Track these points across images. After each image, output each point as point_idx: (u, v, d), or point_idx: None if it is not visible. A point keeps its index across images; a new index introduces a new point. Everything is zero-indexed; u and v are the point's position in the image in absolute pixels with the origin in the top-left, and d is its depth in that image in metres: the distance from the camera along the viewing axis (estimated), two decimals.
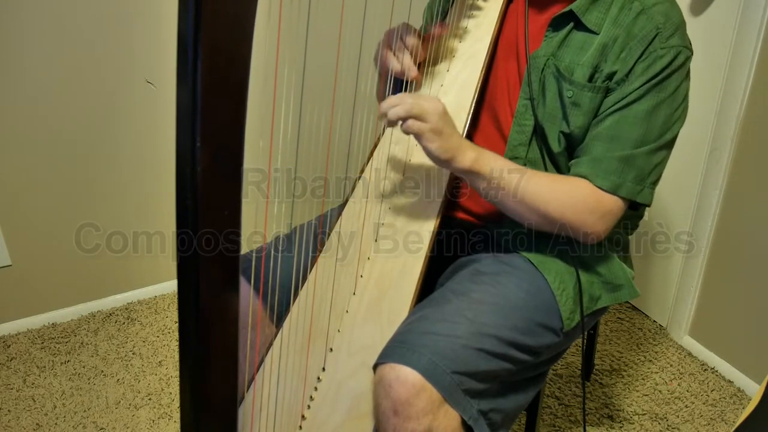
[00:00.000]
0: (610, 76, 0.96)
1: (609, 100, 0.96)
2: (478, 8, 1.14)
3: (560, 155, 1.02)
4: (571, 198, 0.95)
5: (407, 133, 0.92)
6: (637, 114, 0.94)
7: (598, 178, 0.96)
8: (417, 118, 0.90)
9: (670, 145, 0.99)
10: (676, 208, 1.78)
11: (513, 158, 1.05)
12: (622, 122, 0.95)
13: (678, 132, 0.98)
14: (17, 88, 1.56)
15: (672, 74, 0.94)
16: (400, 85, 1.14)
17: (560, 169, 1.04)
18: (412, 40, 1.04)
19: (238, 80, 0.55)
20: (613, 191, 0.96)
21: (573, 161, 1.00)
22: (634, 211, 1.03)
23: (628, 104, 0.95)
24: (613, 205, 0.97)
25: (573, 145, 1.01)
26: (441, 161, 0.93)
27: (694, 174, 1.71)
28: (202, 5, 0.50)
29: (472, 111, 1.07)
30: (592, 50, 0.97)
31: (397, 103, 0.90)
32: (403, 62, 1.04)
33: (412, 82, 1.13)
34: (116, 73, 1.66)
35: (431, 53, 1.16)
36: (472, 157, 0.93)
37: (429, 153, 0.92)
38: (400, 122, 0.92)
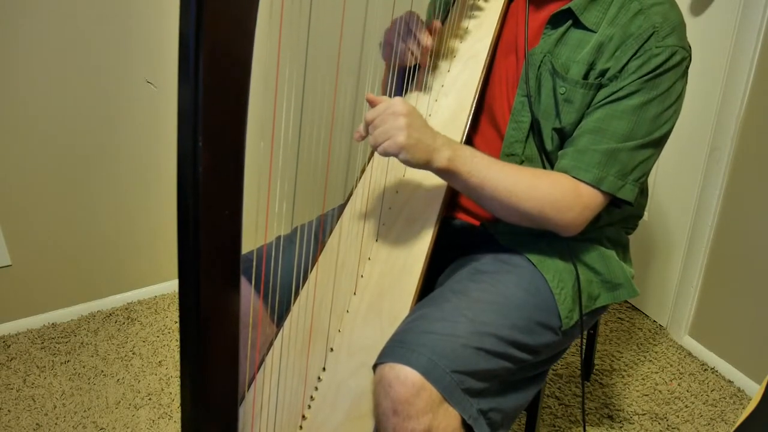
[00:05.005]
0: (603, 73, 0.96)
1: (600, 94, 0.96)
2: (479, 8, 1.14)
3: (553, 152, 1.02)
4: (551, 194, 0.94)
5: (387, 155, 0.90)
6: (626, 108, 0.94)
7: (580, 170, 0.95)
8: (383, 140, 0.88)
9: (657, 143, 0.98)
10: (676, 208, 1.78)
11: (510, 155, 1.05)
12: (610, 115, 0.95)
13: (667, 132, 0.97)
14: (17, 88, 1.56)
15: (666, 73, 0.93)
16: (402, 76, 1.14)
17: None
18: (419, 29, 1.04)
19: (239, 80, 0.55)
20: (595, 184, 0.95)
21: (560, 152, 1.00)
22: (616, 208, 1.02)
23: (619, 99, 0.94)
24: (593, 200, 0.96)
25: (565, 141, 1.01)
26: (419, 166, 0.91)
27: (694, 174, 1.71)
28: (204, 5, 0.50)
29: (472, 111, 1.07)
30: (589, 48, 0.97)
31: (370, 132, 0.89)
32: (419, 41, 1.03)
33: (415, 73, 1.13)
34: (116, 73, 1.66)
35: (432, 53, 1.16)
36: (447, 156, 0.91)
37: (406, 163, 0.90)
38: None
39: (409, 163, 0.89)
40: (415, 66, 1.12)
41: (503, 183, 0.93)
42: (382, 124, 0.88)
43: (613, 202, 0.99)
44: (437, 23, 1.08)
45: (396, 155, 0.88)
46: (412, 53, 1.05)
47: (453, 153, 0.91)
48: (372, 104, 0.92)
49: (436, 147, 0.90)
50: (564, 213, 0.95)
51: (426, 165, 0.91)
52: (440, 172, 0.93)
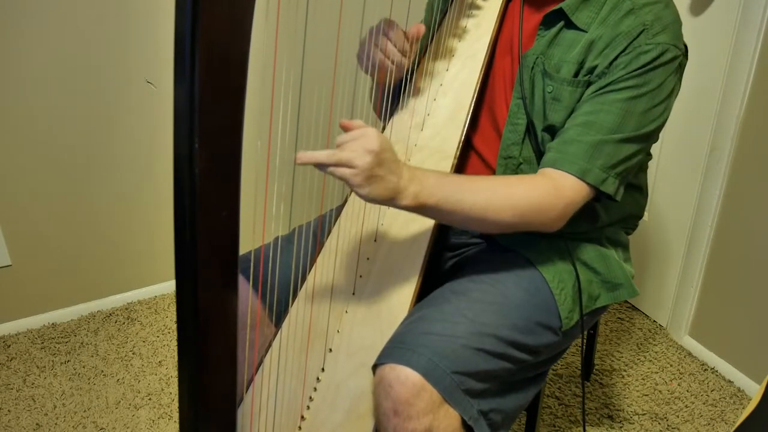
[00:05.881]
0: (591, 70, 0.95)
1: (589, 89, 0.95)
2: (478, 8, 1.14)
3: None
4: (529, 198, 0.92)
5: (335, 176, 0.82)
6: (615, 101, 0.93)
7: (565, 162, 0.93)
8: (344, 164, 0.81)
9: (644, 139, 0.96)
10: (675, 208, 1.78)
11: (507, 158, 1.04)
12: (598, 109, 0.93)
13: (656, 129, 0.96)
14: (17, 89, 1.56)
15: (656, 69, 0.92)
16: (399, 89, 1.14)
17: None
18: (396, 34, 1.00)
19: (236, 80, 0.55)
20: (579, 176, 0.93)
21: (548, 145, 0.99)
22: (596, 202, 1.00)
23: (608, 92, 0.93)
24: (576, 193, 0.94)
25: None
26: (379, 203, 0.85)
27: (694, 174, 1.71)
28: (200, 5, 0.50)
29: (471, 111, 1.07)
30: (579, 47, 0.96)
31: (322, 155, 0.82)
32: (388, 52, 0.99)
33: (409, 84, 1.13)
34: (116, 73, 1.66)
35: (430, 53, 1.16)
36: (412, 193, 0.85)
37: (363, 198, 0.84)
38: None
39: (368, 198, 0.83)
40: (411, 71, 1.11)
41: (477, 201, 0.90)
42: (349, 152, 0.81)
43: (595, 197, 0.97)
44: (420, 27, 1.03)
45: (353, 187, 0.83)
46: (392, 62, 1.01)
47: (419, 188, 0.86)
48: (345, 130, 0.86)
49: (400, 186, 0.84)
50: (546, 213, 0.93)
51: (389, 203, 0.85)
52: (409, 209, 0.88)
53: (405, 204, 0.86)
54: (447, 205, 0.88)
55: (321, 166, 0.82)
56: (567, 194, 0.93)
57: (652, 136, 0.97)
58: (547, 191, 0.93)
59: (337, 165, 0.81)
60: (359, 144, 0.82)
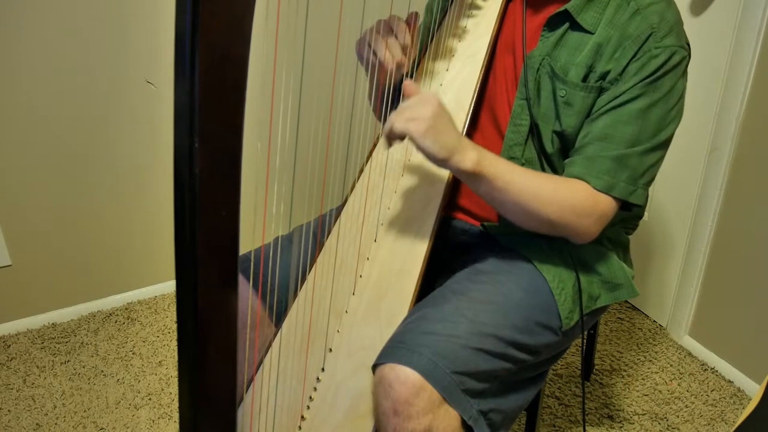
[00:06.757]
0: (603, 76, 0.96)
1: (602, 99, 0.96)
2: (477, 7, 1.14)
3: (554, 155, 1.02)
4: (571, 200, 0.94)
5: (399, 135, 0.88)
6: (631, 113, 0.94)
7: (591, 177, 0.95)
8: (407, 119, 0.86)
9: (664, 145, 0.98)
10: (676, 208, 1.78)
11: (509, 158, 1.04)
12: (616, 122, 0.95)
13: (673, 132, 0.98)
14: (17, 88, 1.56)
15: (666, 74, 0.93)
16: (398, 90, 1.14)
17: (556, 169, 1.04)
18: (399, 26, 0.99)
19: (236, 81, 0.55)
20: (606, 191, 0.95)
21: (567, 160, 1.00)
22: (626, 211, 1.02)
23: (622, 104, 0.94)
24: (608, 206, 0.96)
25: (566, 145, 1.01)
26: (438, 160, 0.88)
27: (694, 174, 1.71)
28: (200, 5, 0.50)
29: (471, 110, 1.07)
30: (587, 50, 0.97)
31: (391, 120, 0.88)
32: (393, 53, 0.98)
33: (413, 75, 1.13)
34: (116, 73, 1.66)
35: (430, 53, 1.16)
36: (473, 158, 0.89)
37: (423, 152, 0.88)
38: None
39: (427, 151, 0.87)
40: (411, 71, 1.11)
41: (527, 187, 0.92)
42: (411, 108, 0.87)
43: (624, 206, 0.99)
44: (415, 14, 1.03)
45: (415, 138, 0.86)
46: (393, 57, 0.99)
47: (480, 156, 0.89)
48: (406, 91, 0.91)
49: (461, 146, 0.88)
50: (583, 219, 0.95)
51: (446, 161, 0.88)
52: (465, 174, 0.90)
53: (464, 167, 0.89)
54: (500, 182, 0.91)
55: (390, 134, 0.88)
56: (601, 206, 0.96)
57: (670, 140, 0.99)
58: (586, 198, 0.95)
59: (401, 121, 0.86)
60: (419, 101, 0.88)
